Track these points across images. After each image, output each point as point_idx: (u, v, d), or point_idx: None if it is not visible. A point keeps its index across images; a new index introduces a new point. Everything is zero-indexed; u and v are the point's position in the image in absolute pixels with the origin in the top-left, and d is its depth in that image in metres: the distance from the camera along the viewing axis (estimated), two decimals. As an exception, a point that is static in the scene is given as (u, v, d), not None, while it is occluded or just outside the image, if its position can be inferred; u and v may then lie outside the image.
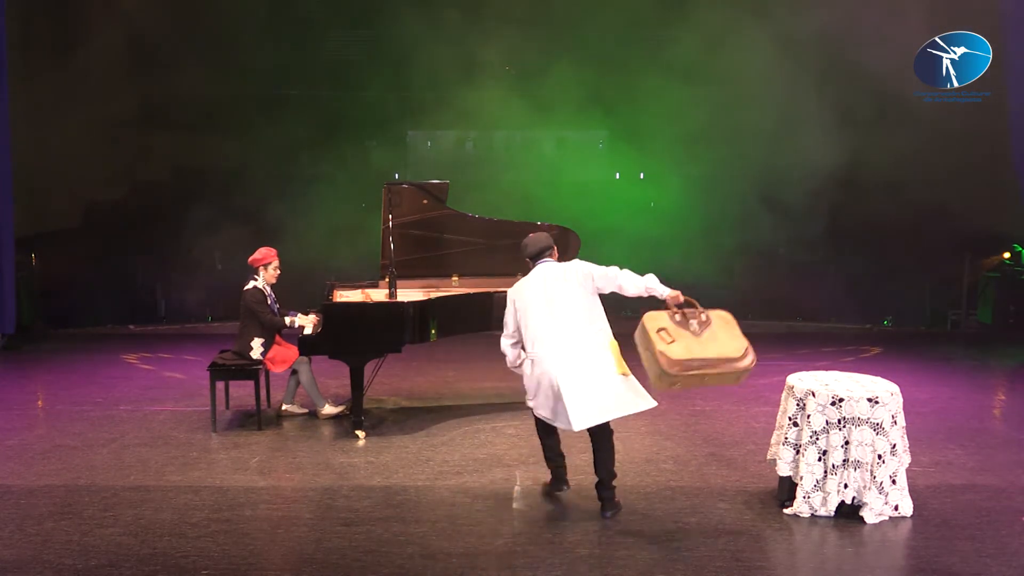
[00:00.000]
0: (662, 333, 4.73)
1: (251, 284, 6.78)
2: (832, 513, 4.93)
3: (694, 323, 4.76)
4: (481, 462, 5.95)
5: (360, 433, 6.45)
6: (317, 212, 10.68)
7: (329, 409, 6.96)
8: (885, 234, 11.13)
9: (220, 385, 6.73)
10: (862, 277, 11.20)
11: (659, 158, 11.24)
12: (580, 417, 4.76)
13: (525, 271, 7.39)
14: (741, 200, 11.11)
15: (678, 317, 4.77)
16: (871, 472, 4.86)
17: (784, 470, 5.09)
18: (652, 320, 4.79)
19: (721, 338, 4.73)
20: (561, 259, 7.41)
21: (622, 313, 11.79)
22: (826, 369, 5.66)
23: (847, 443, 4.89)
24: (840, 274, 11.39)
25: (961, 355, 9.45)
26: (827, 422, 4.92)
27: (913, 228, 11.07)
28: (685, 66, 10.60)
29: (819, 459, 4.94)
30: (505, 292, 6.93)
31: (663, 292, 4.92)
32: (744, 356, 4.70)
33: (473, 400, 7.59)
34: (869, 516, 4.88)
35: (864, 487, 4.89)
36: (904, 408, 5.06)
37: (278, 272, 6.87)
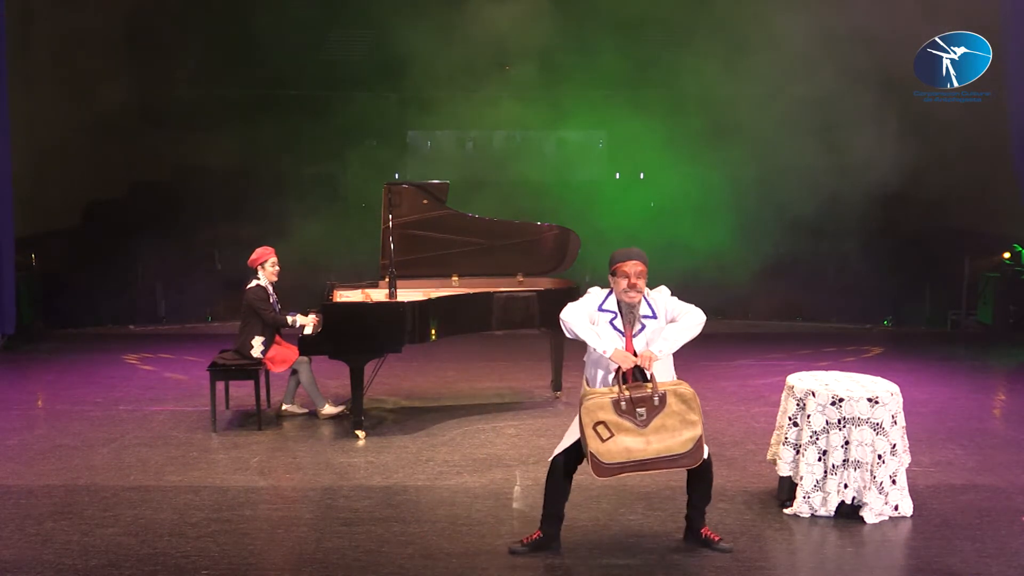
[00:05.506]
0: (599, 428, 4.11)
1: (253, 283, 6.79)
2: (832, 513, 4.93)
3: (642, 411, 4.14)
4: (481, 462, 5.95)
5: (360, 433, 6.45)
6: (317, 212, 10.67)
7: (329, 409, 6.96)
8: (885, 234, 11.11)
9: (220, 385, 6.73)
10: (862, 277, 11.19)
11: (659, 158, 11.23)
12: None
13: (526, 271, 7.51)
14: (739, 200, 11.09)
15: (624, 404, 4.13)
16: (871, 472, 4.86)
17: (784, 470, 5.09)
18: (590, 413, 4.13)
19: (670, 426, 4.14)
20: (561, 260, 7.54)
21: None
22: (827, 369, 5.66)
23: (847, 443, 4.89)
24: (840, 274, 11.38)
25: (961, 355, 9.45)
26: (827, 422, 4.92)
27: (913, 228, 11.06)
28: (685, 66, 10.59)
29: (819, 459, 4.94)
30: (505, 292, 7.01)
31: (605, 349, 4.20)
32: (690, 454, 4.17)
33: (473, 400, 7.59)
34: (869, 516, 4.88)
35: (864, 487, 4.89)
36: (904, 408, 5.06)
37: (277, 269, 6.88)
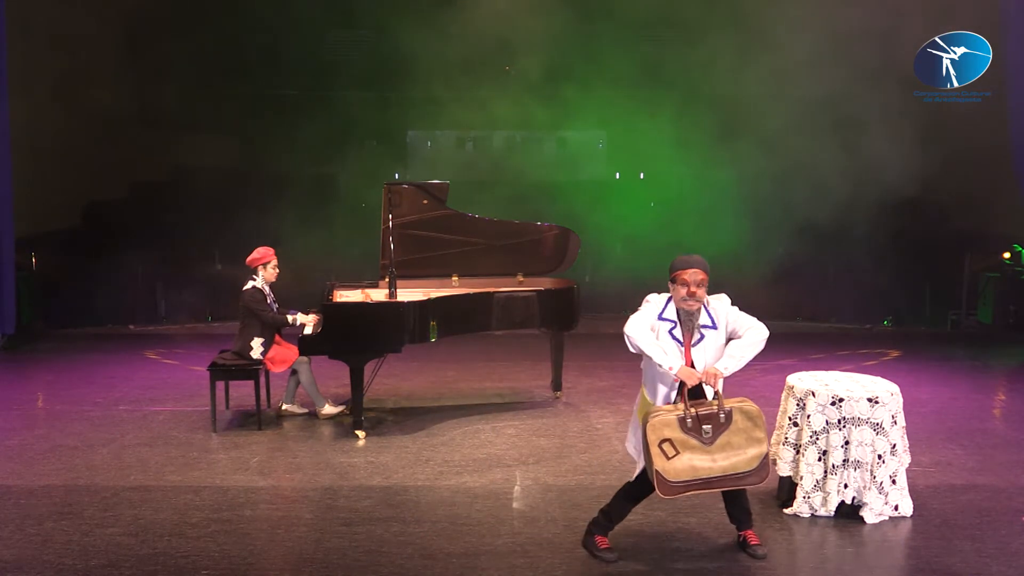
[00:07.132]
0: (665, 446, 4.10)
1: (250, 284, 6.79)
2: (832, 513, 4.93)
3: (708, 428, 4.13)
4: (481, 462, 5.95)
5: (360, 433, 6.45)
6: (317, 212, 10.67)
7: (329, 409, 6.95)
8: (885, 234, 11.11)
9: (220, 385, 6.73)
10: (862, 277, 11.19)
11: (660, 158, 11.23)
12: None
13: (526, 271, 7.52)
14: (740, 200, 11.10)
15: (690, 422, 4.11)
16: (871, 472, 4.86)
17: (784, 470, 5.09)
18: (656, 430, 4.11)
19: (736, 444, 4.15)
20: (561, 260, 7.54)
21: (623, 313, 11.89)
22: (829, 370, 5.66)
23: (847, 443, 4.89)
24: (840, 274, 11.38)
25: (961, 355, 9.44)
26: (827, 422, 4.92)
27: (913, 228, 11.06)
28: (687, 65, 10.60)
29: (819, 459, 4.94)
30: (505, 292, 7.01)
31: (672, 366, 4.13)
32: (756, 471, 4.16)
33: (473, 400, 7.59)
34: (869, 516, 4.88)
35: (864, 487, 4.89)
36: (904, 408, 5.06)
37: (277, 271, 6.88)
